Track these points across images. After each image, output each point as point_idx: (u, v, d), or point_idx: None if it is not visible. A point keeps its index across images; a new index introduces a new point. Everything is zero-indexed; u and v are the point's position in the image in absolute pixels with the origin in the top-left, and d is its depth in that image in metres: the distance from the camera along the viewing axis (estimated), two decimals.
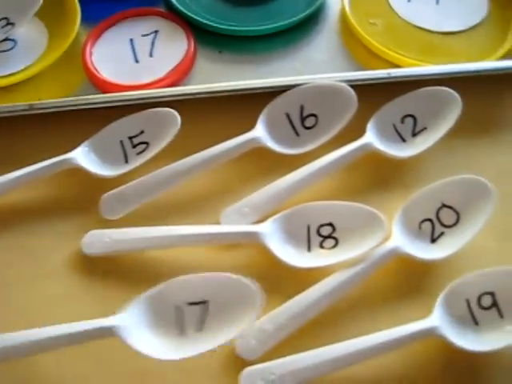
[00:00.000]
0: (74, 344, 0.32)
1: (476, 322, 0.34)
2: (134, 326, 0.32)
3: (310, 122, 0.42)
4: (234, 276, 0.33)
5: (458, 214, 0.38)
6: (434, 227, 0.38)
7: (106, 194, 0.39)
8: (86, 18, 0.47)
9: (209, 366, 0.34)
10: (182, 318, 0.32)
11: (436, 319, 0.34)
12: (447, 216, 0.38)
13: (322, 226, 0.37)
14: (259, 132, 0.41)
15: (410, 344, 0.33)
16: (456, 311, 0.34)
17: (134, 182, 0.40)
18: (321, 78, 0.43)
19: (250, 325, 0.32)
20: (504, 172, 0.42)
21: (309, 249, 0.37)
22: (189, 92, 0.42)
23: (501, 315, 0.34)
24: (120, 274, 0.38)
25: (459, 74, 0.43)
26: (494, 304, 0.35)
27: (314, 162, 0.40)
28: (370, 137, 0.41)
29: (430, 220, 0.38)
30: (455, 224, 0.38)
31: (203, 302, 0.33)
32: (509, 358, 0.35)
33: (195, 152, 0.40)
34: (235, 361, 0.34)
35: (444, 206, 0.38)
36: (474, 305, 0.35)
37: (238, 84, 0.42)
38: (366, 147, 0.40)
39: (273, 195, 0.39)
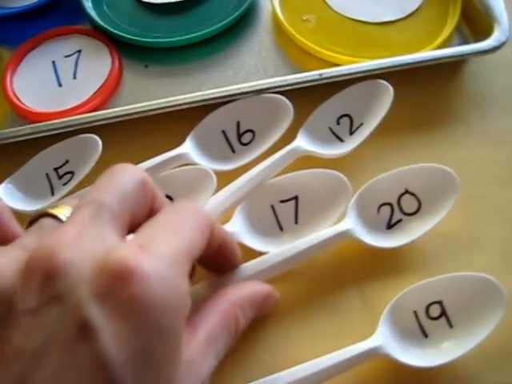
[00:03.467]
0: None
1: (425, 335, 0.33)
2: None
3: (246, 138, 0.40)
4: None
5: (419, 202, 0.37)
6: (392, 213, 0.37)
7: None
8: (4, 40, 0.45)
9: None
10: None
11: (379, 338, 0.32)
12: (408, 203, 0.37)
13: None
14: (187, 148, 0.39)
15: (356, 365, 0.32)
16: (403, 325, 0.33)
17: None
18: (250, 87, 0.40)
19: None
20: (456, 162, 0.40)
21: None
22: (113, 115, 0.40)
23: (450, 325, 0.33)
24: None
25: (394, 68, 0.41)
26: (443, 313, 0.33)
27: (244, 174, 0.38)
28: (300, 141, 0.39)
29: (390, 204, 0.37)
30: (415, 213, 0.36)
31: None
32: (461, 369, 0.33)
33: None
34: None
35: (407, 192, 0.37)
36: (422, 316, 0.33)
37: (163, 102, 0.40)
38: (295, 151, 0.38)
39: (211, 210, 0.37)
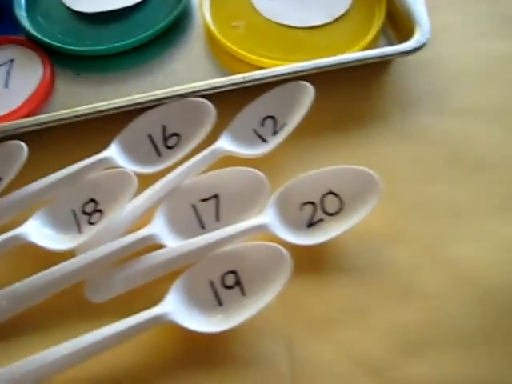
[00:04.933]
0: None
1: (220, 303, 0.35)
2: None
3: (172, 141, 0.41)
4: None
5: (342, 203, 0.37)
6: (315, 212, 0.37)
7: None
8: None
9: None
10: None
11: (167, 305, 0.33)
12: (331, 203, 0.37)
13: None
14: (111, 152, 0.40)
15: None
16: (197, 294, 0.34)
17: None
18: (174, 91, 0.41)
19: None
20: (378, 160, 0.41)
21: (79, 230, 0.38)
22: (39, 122, 0.41)
23: (243, 293, 0.35)
24: None
25: (316, 70, 0.42)
26: (237, 282, 0.35)
27: (166, 176, 0.38)
28: (222, 142, 0.40)
29: (312, 204, 0.38)
30: (337, 213, 0.37)
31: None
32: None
33: None
34: None
35: (331, 192, 0.38)
36: (218, 285, 0.35)
37: (89, 108, 0.41)
38: (217, 151, 0.39)
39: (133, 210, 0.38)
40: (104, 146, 0.40)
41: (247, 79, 0.42)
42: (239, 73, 0.44)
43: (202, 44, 0.47)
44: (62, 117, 0.41)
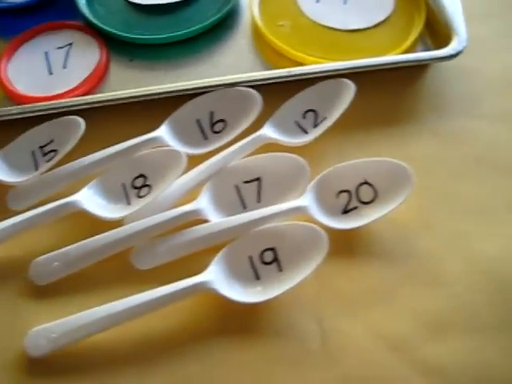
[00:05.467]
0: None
1: (258, 277, 0.37)
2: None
3: (218, 127, 0.44)
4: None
5: (376, 193, 0.40)
6: (350, 200, 0.40)
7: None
8: (1, 32, 0.49)
9: None
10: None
11: (210, 274, 0.36)
12: (366, 193, 0.40)
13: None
14: (162, 132, 0.42)
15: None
16: (237, 267, 0.37)
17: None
18: (223, 80, 0.44)
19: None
20: (412, 156, 0.43)
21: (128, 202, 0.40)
22: (96, 100, 0.44)
23: (280, 269, 0.37)
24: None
25: (357, 69, 0.45)
26: (275, 259, 0.37)
27: (212, 158, 0.41)
28: (266, 130, 0.42)
29: (348, 192, 0.40)
30: (371, 202, 0.40)
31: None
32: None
33: None
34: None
35: (366, 182, 0.40)
36: (257, 261, 0.37)
37: (143, 90, 0.44)
38: (261, 138, 0.42)
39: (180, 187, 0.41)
40: (154, 127, 0.43)
41: (292, 73, 0.44)
42: (282, 67, 0.47)
43: (249, 40, 0.50)
44: (117, 97, 0.44)
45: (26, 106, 0.44)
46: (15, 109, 0.44)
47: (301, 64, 0.47)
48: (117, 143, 0.42)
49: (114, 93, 0.44)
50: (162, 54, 0.49)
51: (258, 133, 0.42)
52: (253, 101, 0.43)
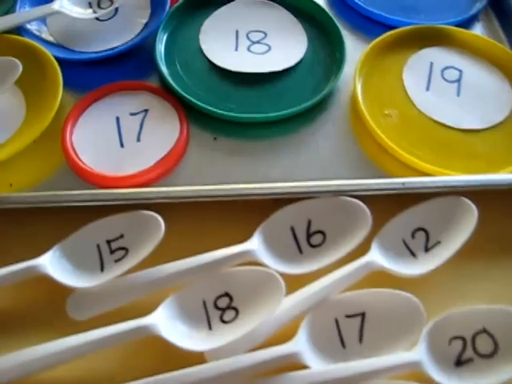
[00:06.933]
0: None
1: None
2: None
3: (316, 239, 0.38)
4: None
5: (496, 345, 0.34)
6: (464, 349, 0.34)
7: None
8: (69, 83, 0.43)
9: None
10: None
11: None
12: (484, 343, 0.34)
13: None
14: (254, 245, 0.36)
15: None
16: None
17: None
18: (327, 186, 0.38)
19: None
20: None
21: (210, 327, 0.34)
22: (178, 195, 0.38)
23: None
24: None
25: (481, 187, 0.39)
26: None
27: (312, 284, 0.35)
28: (374, 254, 0.36)
29: (462, 339, 0.35)
30: (490, 356, 0.34)
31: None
32: None
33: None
34: None
35: (485, 331, 0.35)
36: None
37: (231, 188, 0.38)
38: (369, 266, 0.36)
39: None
40: (238, 228, 0.37)
41: (407, 186, 0.38)
42: (383, 165, 0.41)
43: (345, 125, 0.44)
44: (202, 194, 0.38)
45: (99, 192, 0.38)
46: (85, 194, 0.37)
47: (406, 165, 0.41)
48: (198, 248, 0.36)
49: (198, 188, 0.38)
50: (249, 133, 0.43)
51: (366, 258, 0.36)
52: (360, 216, 0.37)
